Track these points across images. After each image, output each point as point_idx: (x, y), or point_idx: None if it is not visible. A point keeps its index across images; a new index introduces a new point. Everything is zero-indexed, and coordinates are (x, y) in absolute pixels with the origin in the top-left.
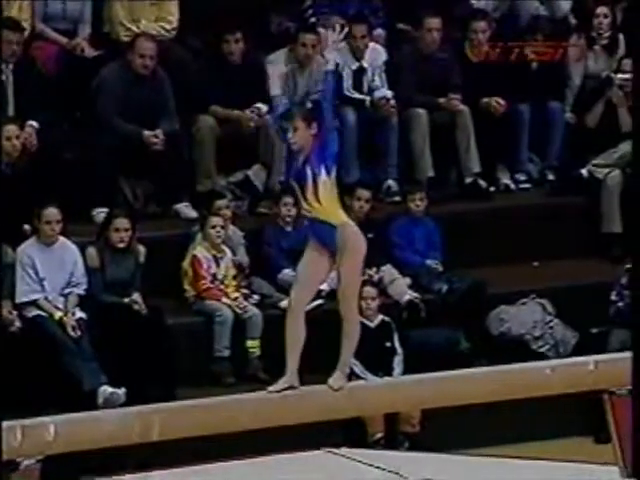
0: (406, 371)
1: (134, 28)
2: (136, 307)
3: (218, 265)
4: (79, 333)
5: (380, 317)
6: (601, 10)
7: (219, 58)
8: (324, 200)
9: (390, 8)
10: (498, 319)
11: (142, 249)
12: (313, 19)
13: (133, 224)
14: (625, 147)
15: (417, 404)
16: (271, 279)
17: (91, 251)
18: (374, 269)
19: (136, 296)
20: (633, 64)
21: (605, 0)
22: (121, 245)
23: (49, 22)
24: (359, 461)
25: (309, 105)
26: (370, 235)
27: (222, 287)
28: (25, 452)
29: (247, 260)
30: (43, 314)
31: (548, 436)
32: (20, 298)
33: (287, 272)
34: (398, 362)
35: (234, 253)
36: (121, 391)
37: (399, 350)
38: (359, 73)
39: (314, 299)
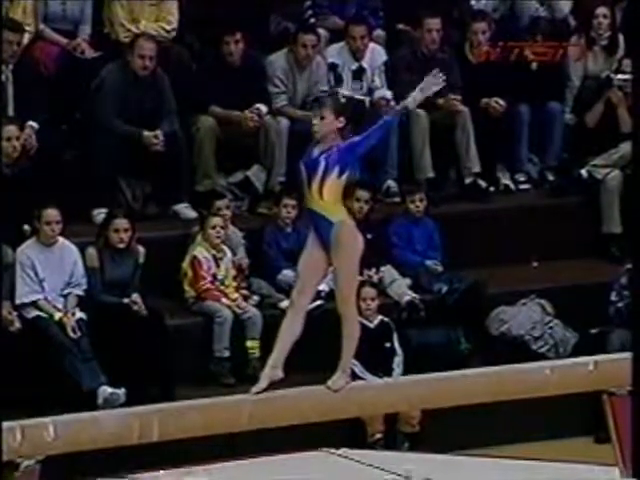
0: (406, 371)
1: (134, 29)
2: (135, 307)
3: (218, 265)
4: (79, 334)
5: (379, 317)
6: (601, 11)
7: (219, 59)
8: (327, 196)
9: (389, 8)
10: (498, 319)
11: (141, 249)
12: (313, 20)
13: (132, 225)
14: (625, 147)
15: (417, 404)
16: (271, 280)
17: (91, 251)
18: (374, 269)
19: (135, 296)
20: (632, 64)
21: (605, 1)
22: (121, 246)
23: (49, 22)
24: (358, 461)
25: (342, 99)
26: (370, 236)
27: (222, 288)
28: (25, 452)
29: (247, 261)
30: (43, 315)
31: (548, 436)
32: (20, 299)
33: (286, 273)
34: (398, 362)
35: (234, 253)
36: (121, 391)
37: (399, 350)
38: (359, 73)
39: (314, 299)
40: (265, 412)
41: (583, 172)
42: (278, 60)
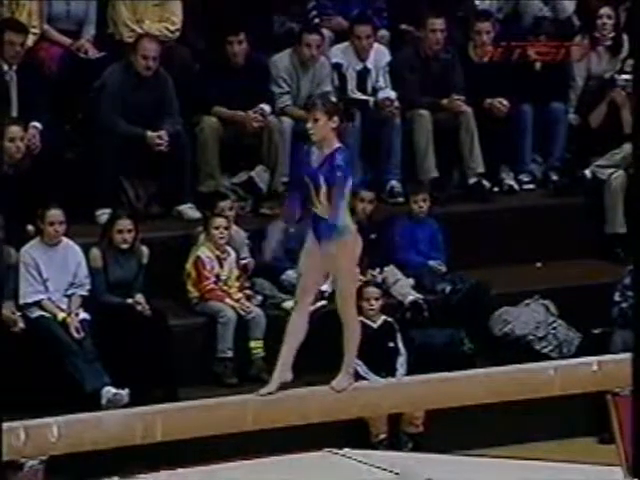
0: (409, 372)
1: (137, 29)
2: (139, 308)
3: (222, 266)
4: (82, 334)
5: (383, 318)
6: (605, 11)
7: (222, 59)
8: (335, 201)
9: (393, 9)
10: (501, 320)
11: (145, 250)
12: (317, 20)
13: (136, 225)
14: (628, 148)
15: (420, 405)
16: (274, 280)
17: (94, 252)
18: (377, 270)
19: (139, 297)
20: (633, 64)
21: (609, 1)
22: (124, 246)
23: (53, 23)
24: (361, 462)
25: (333, 98)
26: (373, 236)
27: (225, 288)
28: (28, 453)
29: (253, 261)
30: (46, 315)
31: (552, 437)
32: (23, 299)
33: (290, 273)
34: (401, 363)
35: (238, 254)
36: (124, 392)
37: (402, 351)
38: (363, 74)
39: (317, 300)
40: (269, 412)
41: (587, 172)
42: (282, 60)
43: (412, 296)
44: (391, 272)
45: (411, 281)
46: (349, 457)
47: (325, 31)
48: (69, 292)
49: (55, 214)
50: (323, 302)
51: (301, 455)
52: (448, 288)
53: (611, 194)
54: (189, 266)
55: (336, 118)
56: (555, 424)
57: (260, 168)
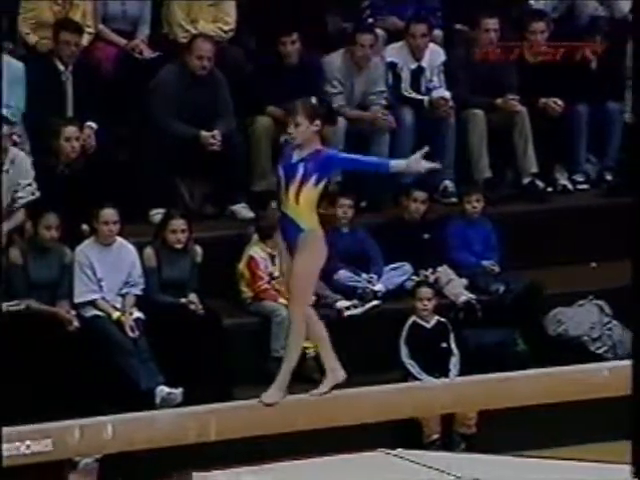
0: (462, 372)
1: (192, 29)
2: (192, 307)
3: (274, 263)
4: (136, 333)
5: (436, 318)
6: None
7: (276, 59)
8: (302, 202)
9: (447, 9)
10: (555, 320)
11: (199, 249)
12: (371, 20)
13: (189, 225)
14: None
15: (473, 405)
16: (326, 280)
17: (148, 251)
18: (430, 270)
19: (192, 296)
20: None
21: None
22: (178, 246)
23: (108, 23)
24: (414, 462)
25: (314, 101)
26: (426, 236)
27: (278, 287)
28: (83, 451)
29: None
30: (101, 314)
31: (606, 438)
32: (78, 298)
33: (343, 273)
34: (454, 363)
35: None
36: (178, 391)
37: (455, 351)
38: (417, 73)
39: (370, 299)
40: (322, 412)
41: None
42: (335, 60)
43: (465, 296)
44: (444, 272)
45: (464, 281)
46: (403, 457)
47: (379, 31)
48: (123, 291)
49: (109, 214)
50: (376, 302)
51: (355, 455)
52: (502, 288)
53: None
54: (242, 266)
55: (318, 122)
56: (609, 425)
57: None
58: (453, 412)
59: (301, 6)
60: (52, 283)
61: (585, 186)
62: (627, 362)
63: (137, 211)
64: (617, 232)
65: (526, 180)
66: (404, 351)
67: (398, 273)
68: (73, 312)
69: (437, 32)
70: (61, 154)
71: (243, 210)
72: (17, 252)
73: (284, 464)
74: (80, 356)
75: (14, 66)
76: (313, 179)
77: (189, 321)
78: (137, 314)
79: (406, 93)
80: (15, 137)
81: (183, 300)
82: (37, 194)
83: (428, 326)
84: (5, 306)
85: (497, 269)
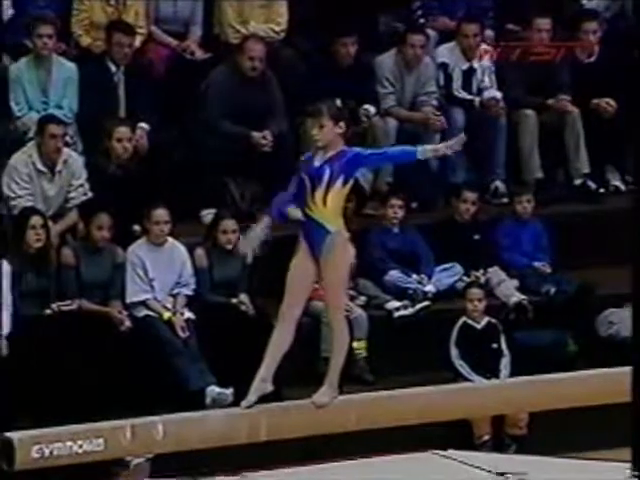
0: (513, 373)
1: (243, 30)
2: (243, 307)
3: None
4: (187, 333)
5: (487, 319)
6: None
7: (328, 59)
8: (330, 204)
9: (499, 8)
10: (606, 321)
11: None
12: (422, 20)
13: (240, 225)
14: None
15: (524, 406)
16: (377, 280)
17: (199, 252)
18: (481, 271)
19: (243, 297)
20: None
21: None
22: (228, 246)
23: (160, 24)
24: (465, 463)
25: (338, 103)
26: (477, 237)
27: None
28: (134, 451)
29: (354, 261)
30: (152, 314)
31: None
32: (130, 298)
33: (393, 273)
34: (505, 364)
35: None
36: (229, 391)
37: (506, 352)
38: (469, 73)
39: (421, 300)
40: (372, 413)
41: None
42: (386, 61)
43: (516, 297)
44: (495, 273)
45: (515, 282)
46: (453, 458)
47: (430, 31)
48: (174, 291)
49: (161, 214)
50: (426, 303)
51: (406, 456)
52: (553, 289)
53: None
54: None
55: (342, 124)
56: None
57: (364, 169)
58: (504, 413)
59: (353, 6)
60: (104, 283)
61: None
62: None
63: (188, 211)
64: None
65: (578, 181)
66: (454, 352)
67: (449, 274)
68: (125, 312)
69: (489, 32)
70: (113, 155)
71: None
72: (69, 252)
73: (336, 464)
74: (131, 356)
75: (67, 67)
76: (340, 180)
77: (240, 321)
78: (188, 314)
79: (457, 93)
80: (68, 138)
81: (234, 300)
82: (89, 195)
83: (478, 327)
84: (57, 306)
85: (548, 270)
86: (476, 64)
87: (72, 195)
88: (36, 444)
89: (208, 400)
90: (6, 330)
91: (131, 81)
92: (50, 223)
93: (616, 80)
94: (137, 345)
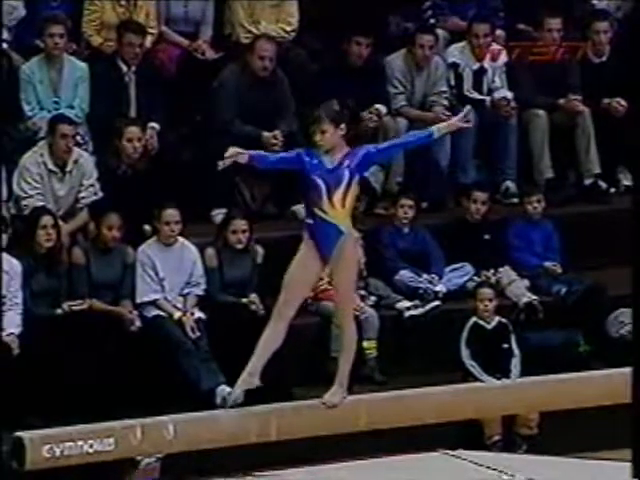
0: (524, 373)
1: (254, 30)
2: (253, 307)
3: None
4: (198, 333)
5: (497, 318)
6: None
7: (339, 59)
8: (348, 205)
9: (510, 9)
10: (618, 321)
11: (260, 250)
12: (432, 20)
13: (250, 225)
14: None
15: (535, 406)
16: (388, 280)
17: (210, 252)
18: (492, 270)
19: (253, 297)
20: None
21: None
22: (239, 246)
23: (171, 24)
24: (475, 463)
25: (335, 105)
26: (488, 237)
27: None
28: (145, 451)
29: (364, 260)
30: (162, 314)
31: None
32: (140, 298)
33: (404, 273)
34: (515, 364)
35: None
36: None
37: (516, 352)
38: (479, 73)
39: (431, 300)
40: (382, 413)
41: None
42: (396, 61)
43: (527, 297)
44: (506, 273)
45: (526, 282)
46: (463, 458)
47: (440, 31)
48: (185, 291)
49: (171, 214)
50: (437, 302)
51: (416, 456)
52: (564, 289)
53: None
54: None
55: (343, 125)
56: None
57: (375, 168)
58: (514, 413)
59: (364, 7)
60: (114, 283)
61: None
62: None
63: (199, 211)
64: None
65: (588, 181)
66: (465, 352)
67: (459, 274)
68: (135, 312)
69: (500, 32)
70: (124, 154)
71: (303, 210)
72: (80, 252)
73: (344, 464)
74: (141, 356)
75: (78, 67)
76: (355, 180)
77: (250, 321)
78: (198, 314)
79: (468, 94)
80: (79, 138)
81: (244, 300)
82: (100, 194)
83: (489, 327)
84: (67, 306)
85: (559, 270)
86: (487, 64)
87: (83, 195)
88: (47, 444)
89: (218, 400)
90: (17, 330)
91: (142, 81)
92: (61, 223)
93: (627, 80)
94: (147, 345)
